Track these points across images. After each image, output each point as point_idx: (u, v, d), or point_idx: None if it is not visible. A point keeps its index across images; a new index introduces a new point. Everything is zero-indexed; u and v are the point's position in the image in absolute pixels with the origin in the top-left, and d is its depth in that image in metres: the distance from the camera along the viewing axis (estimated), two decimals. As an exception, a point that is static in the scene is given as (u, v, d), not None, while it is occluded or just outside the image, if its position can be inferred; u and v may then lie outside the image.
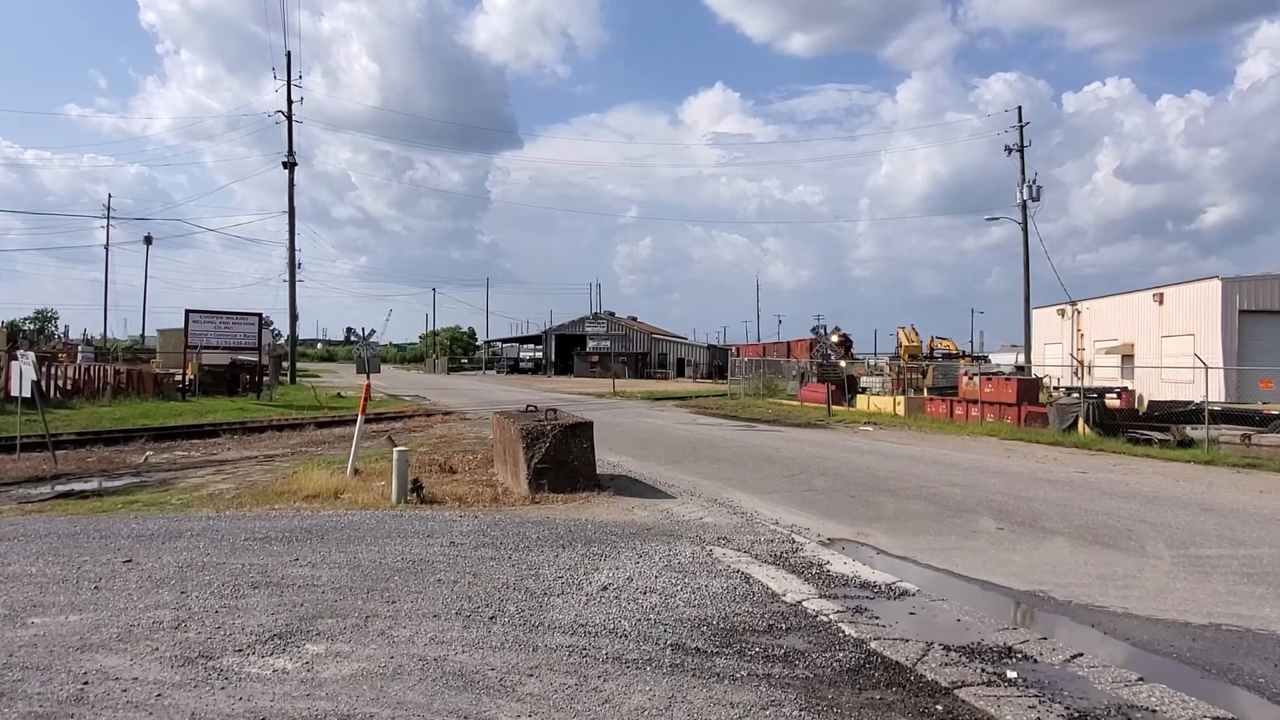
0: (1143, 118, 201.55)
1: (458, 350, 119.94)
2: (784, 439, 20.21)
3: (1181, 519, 10.09)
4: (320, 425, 22.39)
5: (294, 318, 48.94)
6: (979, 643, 5.40)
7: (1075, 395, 23.57)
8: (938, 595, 6.63)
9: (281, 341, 59.51)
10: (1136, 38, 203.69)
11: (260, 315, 36.91)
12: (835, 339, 49.97)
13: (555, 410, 12.39)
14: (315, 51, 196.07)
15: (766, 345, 58.78)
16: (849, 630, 5.52)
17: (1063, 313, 39.00)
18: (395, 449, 10.92)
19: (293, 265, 47.58)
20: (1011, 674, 4.85)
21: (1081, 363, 31.98)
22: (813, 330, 49.20)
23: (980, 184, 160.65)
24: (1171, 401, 22.62)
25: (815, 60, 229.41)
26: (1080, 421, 20.57)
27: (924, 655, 5.06)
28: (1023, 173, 36.95)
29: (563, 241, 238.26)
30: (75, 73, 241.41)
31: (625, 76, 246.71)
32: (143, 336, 77.80)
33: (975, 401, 24.88)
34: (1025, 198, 36.68)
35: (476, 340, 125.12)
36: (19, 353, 16.99)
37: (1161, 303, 31.72)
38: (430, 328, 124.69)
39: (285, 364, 49.19)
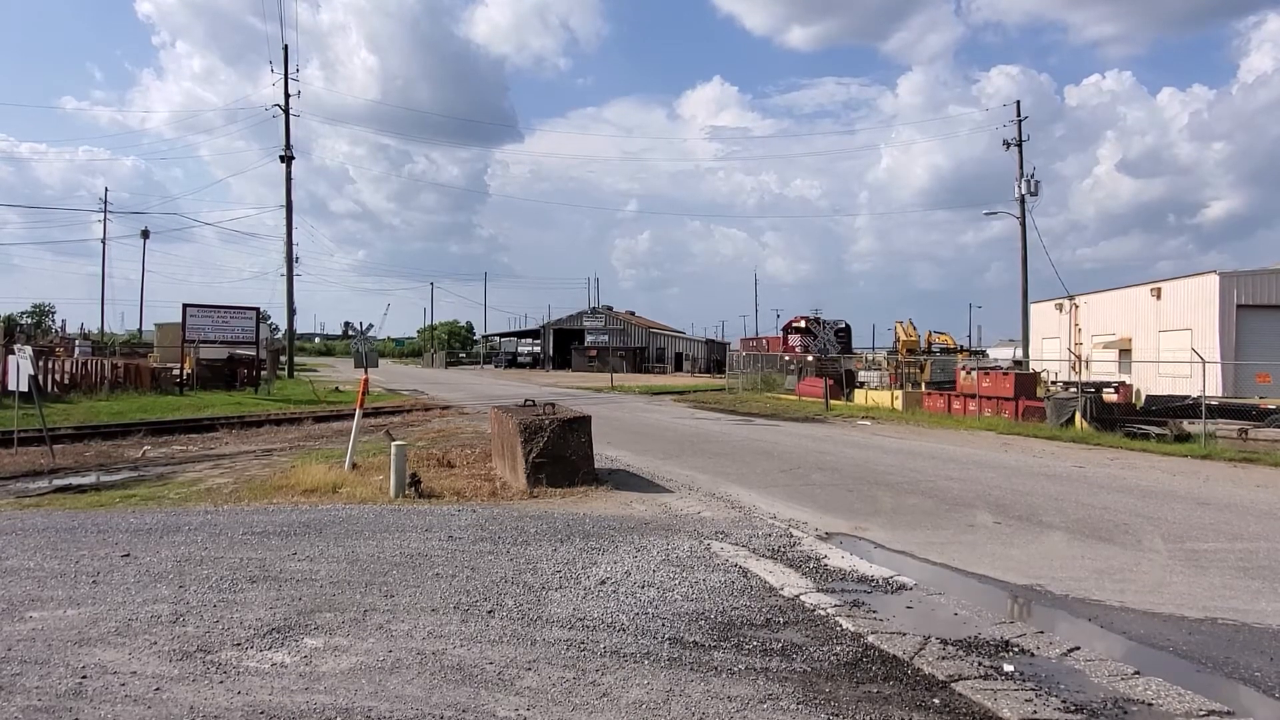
0: (1145, 111, 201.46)
1: (456, 345, 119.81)
2: (782, 433, 20.23)
3: (1178, 513, 10.11)
4: (318, 420, 22.37)
5: (291, 312, 48.97)
6: (976, 636, 5.41)
7: (1073, 390, 23.60)
8: (935, 589, 6.64)
9: (279, 336, 59.45)
10: (1140, 31, 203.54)
11: (258, 309, 36.86)
12: (803, 324, 48.85)
13: (553, 404, 12.38)
14: (313, 44, 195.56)
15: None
16: (846, 624, 5.54)
17: (1061, 307, 39.04)
18: (393, 443, 10.91)
19: (290, 259, 47.54)
20: (1008, 667, 4.86)
21: (1079, 357, 32.01)
22: (807, 322, 48.29)
23: (981, 178, 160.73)
24: (1169, 396, 22.69)
25: (814, 54, 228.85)
26: (1078, 416, 20.61)
27: (921, 649, 5.08)
28: (1021, 167, 36.93)
29: (561, 235, 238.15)
30: (71, 65, 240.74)
31: (623, 69, 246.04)
32: (140, 331, 77.67)
33: (973, 396, 24.91)
34: (1023, 192, 36.64)
35: (475, 335, 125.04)
36: (16, 347, 16.96)
37: (1159, 297, 31.77)
38: (428, 322, 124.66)
39: (285, 358, 49.16)
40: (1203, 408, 18.24)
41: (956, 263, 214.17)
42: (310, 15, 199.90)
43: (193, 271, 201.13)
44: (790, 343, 50.14)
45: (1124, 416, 20.42)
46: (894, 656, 4.95)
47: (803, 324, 49.18)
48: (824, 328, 47.46)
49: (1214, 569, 7.47)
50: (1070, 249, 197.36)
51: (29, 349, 15.94)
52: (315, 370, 62.79)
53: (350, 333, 16.29)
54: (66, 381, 27.51)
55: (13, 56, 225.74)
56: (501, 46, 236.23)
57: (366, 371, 14.49)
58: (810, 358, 42.08)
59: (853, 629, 5.44)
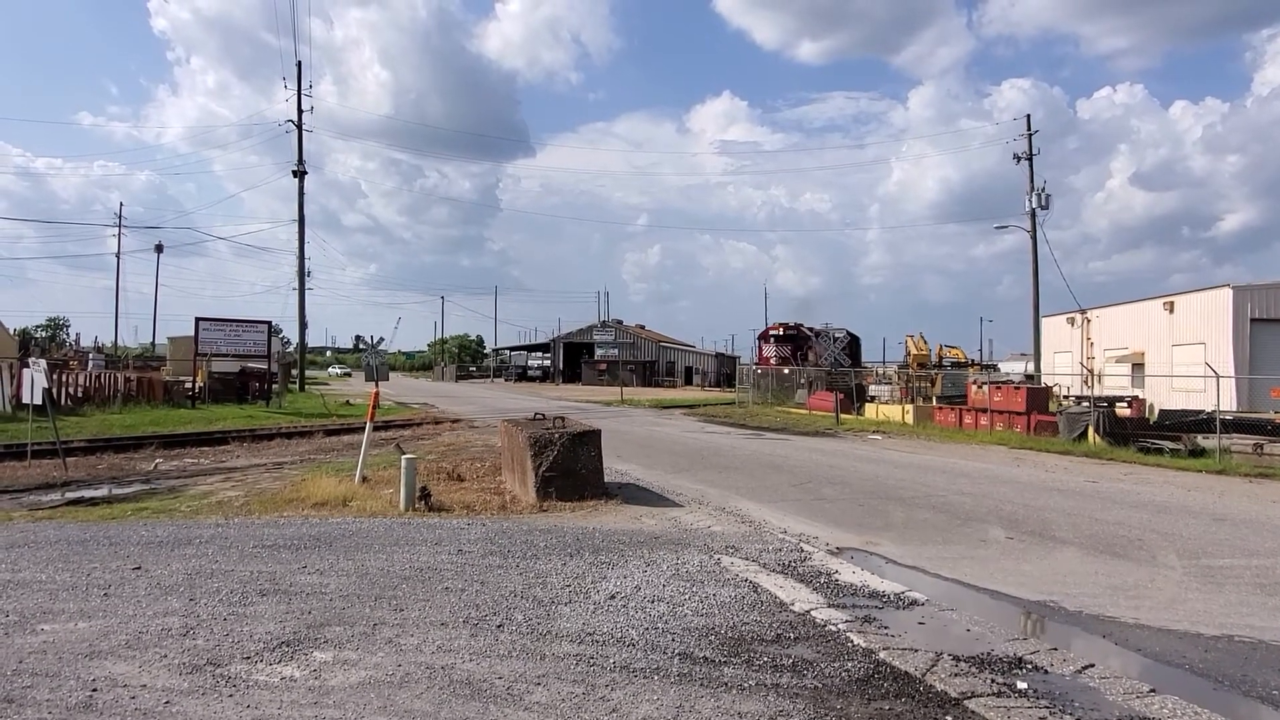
0: (1158, 124, 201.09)
1: (466, 358, 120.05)
2: (792, 447, 20.16)
3: (1193, 529, 10.01)
4: (329, 433, 22.45)
5: (303, 325, 49.12)
6: (989, 653, 5.36)
7: (1085, 404, 23.44)
8: (947, 605, 6.59)
9: (290, 349, 59.76)
10: (1152, 44, 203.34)
11: (270, 323, 37.06)
12: (780, 332, 44.82)
13: (563, 418, 12.39)
14: (327, 59, 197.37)
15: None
16: (857, 640, 5.49)
17: (1072, 321, 38.85)
18: (403, 456, 10.93)
19: (302, 273, 47.76)
20: (1022, 685, 4.81)
21: (1091, 371, 31.84)
22: (786, 329, 45.18)
23: (993, 190, 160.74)
24: (1182, 410, 22.48)
25: (824, 68, 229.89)
26: (1090, 430, 20.47)
27: (933, 665, 5.03)
28: (1031, 181, 36.88)
29: (571, 249, 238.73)
30: (88, 81, 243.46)
31: (634, 84, 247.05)
32: (153, 344, 78.10)
33: (984, 410, 24.77)
34: (1034, 206, 36.57)
35: (485, 348, 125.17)
36: (31, 360, 17.14)
37: (1172, 311, 31.57)
38: (439, 335, 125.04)
39: (299, 371, 49.37)
40: (1217, 422, 18.08)
41: (967, 276, 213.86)
42: (324, 31, 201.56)
43: (205, 285, 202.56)
44: (765, 354, 45.17)
45: (1137, 431, 20.26)
46: (906, 673, 4.91)
47: (780, 331, 44.57)
48: (827, 339, 45.83)
49: (1230, 586, 7.38)
50: (1082, 262, 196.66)
51: (43, 362, 16.11)
52: (327, 383, 63.07)
53: (362, 346, 16.41)
54: (80, 394, 27.70)
55: (30, 73, 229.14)
56: (513, 61, 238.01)
57: (377, 385, 14.56)
58: (786, 370, 40.61)
59: (864, 645, 5.39)
